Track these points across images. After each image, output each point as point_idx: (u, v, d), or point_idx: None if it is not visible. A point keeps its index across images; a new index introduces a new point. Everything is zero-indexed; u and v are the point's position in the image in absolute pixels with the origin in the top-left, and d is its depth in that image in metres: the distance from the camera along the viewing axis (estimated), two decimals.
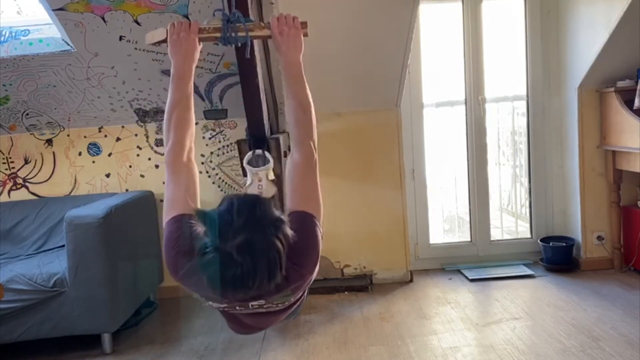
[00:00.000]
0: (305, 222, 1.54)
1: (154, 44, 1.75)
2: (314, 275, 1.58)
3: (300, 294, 1.63)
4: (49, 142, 3.57)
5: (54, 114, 3.43)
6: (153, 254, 3.45)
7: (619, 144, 3.30)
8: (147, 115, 3.49)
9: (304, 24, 1.66)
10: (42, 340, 2.78)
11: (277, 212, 1.43)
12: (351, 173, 3.56)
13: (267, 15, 2.58)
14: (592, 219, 3.58)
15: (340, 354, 2.63)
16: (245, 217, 1.37)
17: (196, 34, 1.65)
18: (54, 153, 3.58)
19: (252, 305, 1.54)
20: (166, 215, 1.53)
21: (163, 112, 1.70)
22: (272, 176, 2.29)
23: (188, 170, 1.61)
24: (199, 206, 1.52)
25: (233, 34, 1.69)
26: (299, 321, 3.07)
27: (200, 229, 1.40)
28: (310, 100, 1.65)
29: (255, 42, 2.26)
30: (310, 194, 1.60)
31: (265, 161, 2.34)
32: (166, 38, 1.67)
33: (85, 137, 3.57)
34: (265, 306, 1.57)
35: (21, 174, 3.59)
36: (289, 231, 1.41)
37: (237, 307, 1.56)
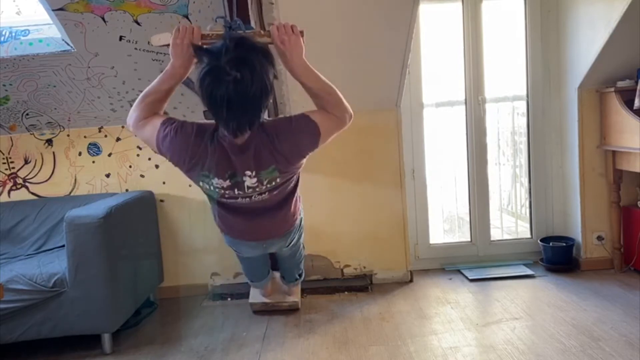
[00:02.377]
0: (305, 117, 1.82)
1: (160, 45, 1.88)
2: (298, 165, 1.89)
3: (287, 178, 1.91)
4: (49, 142, 3.57)
5: (54, 114, 3.43)
6: (153, 254, 3.45)
7: (619, 144, 3.31)
8: None
9: (301, 33, 1.82)
10: (42, 340, 2.78)
11: (265, 47, 1.70)
12: (351, 173, 3.56)
13: (267, 15, 2.58)
14: (592, 219, 3.58)
15: (340, 354, 2.63)
16: (236, 42, 1.63)
17: (198, 41, 1.80)
18: (54, 153, 3.58)
19: (247, 187, 1.83)
20: (155, 133, 1.83)
21: (143, 90, 1.92)
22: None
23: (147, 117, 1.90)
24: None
25: None
26: (299, 321, 3.07)
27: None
28: (328, 82, 1.87)
29: None
30: (327, 128, 1.85)
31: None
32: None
33: (85, 137, 3.57)
34: (257, 188, 1.84)
35: (21, 174, 3.59)
36: (275, 67, 1.69)
37: (236, 191, 1.84)
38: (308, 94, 1.88)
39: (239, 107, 1.63)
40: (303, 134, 1.81)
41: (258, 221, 2.06)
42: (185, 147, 1.78)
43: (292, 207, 2.10)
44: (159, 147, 1.84)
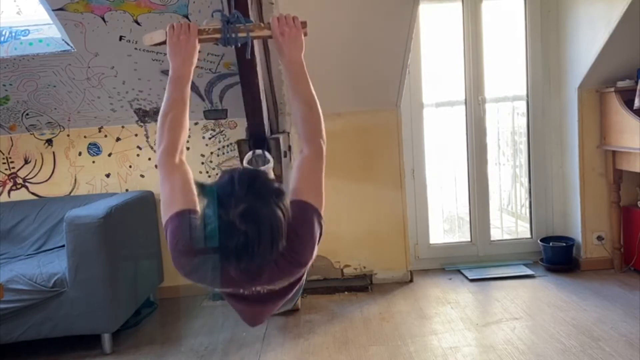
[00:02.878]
0: (305, 210, 1.57)
1: (153, 45, 1.75)
2: (311, 262, 1.62)
3: (299, 277, 1.66)
4: (49, 142, 3.57)
5: (54, 114, 3.43)
6: (153, 254, 3.45)
7: (619, 144, 3.30)
8: (147, 115, 3.49)
9: (303, 24, 1.67)
10: (42, 340, 2.78)
11: (276, 184, 1.47)
12: (351, 173, 3.56)
13: (267, 15, 2.58)
14: (592, 219, 3.58)
15: (340, 354, 2.63)
16: (246, 187, 1.40)
17: (196, 36, 1.66)
18: (54, 153, 3.58)
19: (254, 287, 1.57)
20: (165, 214, 1.54)
21: (160, 110, 1.72)
22: (272, 176, 2.30)
23: (181, 171, 1.62)
24: (196, 204, 1.54)
25: (233, 35, 1.69)
26: (299, 321, 3.07)
27: (200, 221, 1.43)
28: (315, 97, 1.66)
29: (255, 42, 2.26)
30: (314, 187, 1.62)
31: (265, 161, 2.34)
32: (165, 40, 1.68)
33: (85, 137, 3.57)
34: (267, 288, 1.60)
35: (21, 174, 3.59)
36: (288, 205, 1.45)
37: (241, 290, 1.59)
38: (291, 102, 1.70)
39: (249, 256, 1.42)
40: (313, 228, 1.58)
41: (262, 307, 1.80)
42: (181, 262, 1.52)
43: (298, 285, 1.79)
44: (163, 218, 1.59)
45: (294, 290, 1.79)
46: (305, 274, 1.80)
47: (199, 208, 1.52)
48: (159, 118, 1.65)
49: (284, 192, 1.47)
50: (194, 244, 1.49)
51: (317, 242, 1.59)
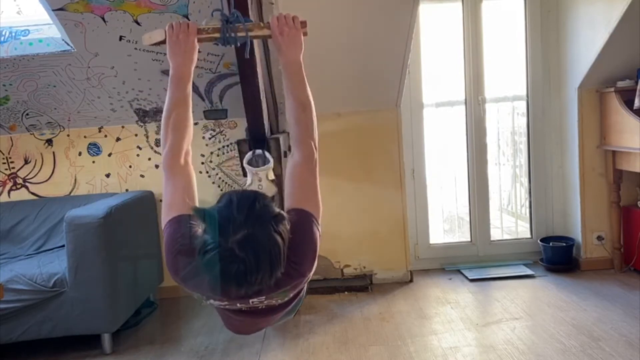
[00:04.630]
0: (303, 220, 1.55)
1: (152, 44, 1.75)
2: (312, 273, 1.58)
3: (299, 289, 1.63)
4: (49, 142, 3.57)
5: (54, 114, 3.43)
6: (153, 254, 3.45)
7: (619, 144, 3.30)
8: (147, 115, 3.49)
9: (303, 23, 1.66)
10: (42, 340, 2.78)
11: (276, 208, 1.43)
12: (351, 173, 3.56)
13: (267, 15, 2.58)
14: (592, 219, 3.58)
15: (340, 354, 2.63)
16: (246, 212, 1.37)
17: (195, 36, 1.65)
18: (54, 153, 3.58)
19: (252, 302, 1.53)
20: (165, 217, 1.53)
21: (163, 111, 1.70)
22: (272, 176, 2.29)
23: (185, 173, 1.60)
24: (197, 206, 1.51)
25: (232, 34, 1.69)
26: (299, 321, 3.07)
27: (199, 228, 1.39)
28: (311, 99, 1.64)
29: (255, 42, 2.26)
30: (309, 193, 1.60)
31: (265, 161, 2.34)
32: (165, 39, 1.67)
33: (85, 137, 3.57)
34: (265, 302, 1.56)
35: (21, 174, 3.59)
36: (288, 227, 1.41)
37: (238, 304, 1.56)
38: (285, 102, 1.68)
39: (248, 283, 1.38)
40: (311, 237, 1.56)
41: (259, 320, 1.77)
42: (176, 267, 1.49)
43: (298, 297, 1.76)
44: (162, 220, 1.56)
45: (294, 303, 1.76)
46: (306, 285, 1.76)
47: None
48: (162, 120, 1.63)
49: (284, 217, 1.43)
50: (190, 250, 1.44)
51: (316, 252, 1.57)
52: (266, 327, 1.94)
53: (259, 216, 1.38)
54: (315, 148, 1.63)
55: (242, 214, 1.37)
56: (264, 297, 1.51)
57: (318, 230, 1.56)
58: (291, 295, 1.60)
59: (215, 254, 1.34)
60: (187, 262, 1.46)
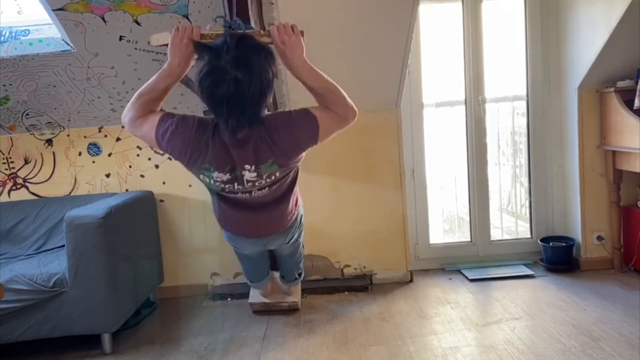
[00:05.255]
0: (308, 118, 1.81)
1: (159, 45, 1.87)
2: (294, 162, 1.88)
3: (285, 175, 1.91)
4: (49, 142, 3.57)
5: (54, 114, 3.43)
6: (153, 254, 3.45)
7: (619, 144, 3.30)
8: None
9: (301, 33, 1.81)
10: (42, 340, 2.78)
11: (266, 45, 1.70)
12: (351, 173, 3.56)
13: (267, 15, 2.58)
14: (592, 219, 3.58)
15: (340, 354, 2.63)
16: (237, 39, 1.62)
17: (198, 39, 1.78)
18: (54, 153, 3.58)
19: (246, 181, 1.83)
20: (154, 129, 1.81)
21: (139, 89, 1.90)
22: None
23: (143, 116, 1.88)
24: None
25: None
26: (299, 321, 3.07)
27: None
28: (331, 81, 1.86)
29: None
30: (327, 131, 1.83)
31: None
32: None
33: (85, 137, 3.57)
34: (257, 183, 1.85)
35: (21, 174, 3.59)
36: (275, 65, 1.68)
37: (236, 185, 1.84)
38: (311, 93, 1.88)
39: (238, 106, 1.63)
40: (302, 128, 1.81)
41: (258, 217, 2.06)
42: (187, 140, 1.78)
43: (291, 202, 2.11)
44: (159, 142, 1.82)
45: (288, 212, 2.09)
46: (302, 209, 2.18)
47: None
48: (135, 95, 1.87)
49: (273, 54, 1.68)
50: (189, 120, 1.80)
51: (302, 146, 1.82)
52: (266, 235, 2.22)
53: (250, 44, 1.63)
54: (353, 113, 1.88)
55: (235, 40, 1.61)
56: (252, 165, 1.78)
57: (315, 139, 1.81)
58: (278, 175, 1.86)
59: (209, 69, 1.60)
60: (190, 134, 1.77)
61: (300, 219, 2.32)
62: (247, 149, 1.77)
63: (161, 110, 1.88)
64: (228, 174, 1.83)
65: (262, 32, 1.83)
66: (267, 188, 1.92)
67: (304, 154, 1.89)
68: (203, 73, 1.62)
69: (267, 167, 1.83)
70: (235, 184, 1.86)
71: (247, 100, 1.62)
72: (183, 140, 1.79)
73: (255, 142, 1.77)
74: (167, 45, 1.83)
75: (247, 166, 1.81)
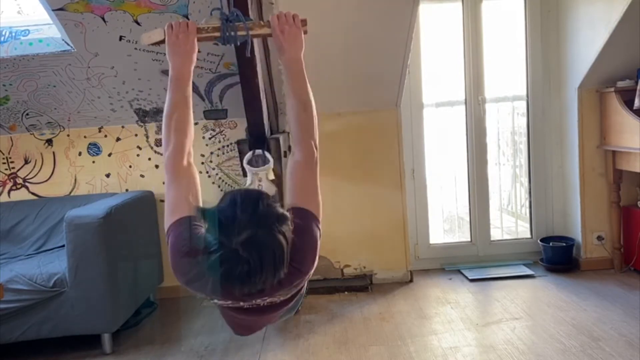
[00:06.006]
0: (304, 219, 1.55)
1: (152, 44, 1.74)
2: (313, 271, 1.57)
3: (300, 287, 1.63)
4: (49, 142, 3.57)
5: (54, 114, 3.43)
6: (153, 254, 3.45)
7: (619, 144, 3.30)
8: (147, 115, 3.49)
9: (303, 22, 1.66)
10: (42, 340, 2.78)
11: (280, 209, 1.42)
12: (351, 173, 3.56)
13: (267, 14, 2.58)
14: (592, 219, 3.58)
15: (340, 354, 2.63)
16: (250, 212, 1.36)
17: (195, 35, 1.64)
18: (54, 153, 3.58)
19: (255, 301, 1.52)
20: (169, 219, 1.52)
21: (163, 112, 1.68)
22: (272, 176, 2.29)
23: (189, 174, 1.58)
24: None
25: (232, 33, 1.68)
26: (299, 321, 3.07)
27: (203, 229, 1.38)
28: (312, 98, 1.63)
29: (255, 42, 2.26)
30: (310, 193, 1.59)
31: (265, 161, 2.34)
32: (164, 39, 1.66)
33: (85, 137, 3.57)
34: (267, 300, 1.55)
35: (21, 174, 3.59)
36: (291, 228, 1.40)
37: (241, 303, 1.54)
38: (286, 101, 1.69)
39: (253, 283, 1.39)
40: (312, 238, 1.57)
41: (262, 318, 1.76)
42: (182, 270, 1.48)
43: (299, 294, 1.88)
44: (166, 223, 1.56)
45: (294, 300, 1.75)
46: (306, 284, 1.75)
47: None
48: (164, 120, 1.61)
49: (288, 218, 1.42)
50: (196, 252, 1.42)
51: (317, 250, 1.56)
52: (268, 325, 1.96)
53: (263, 217, 1.37)
54: (316, 148, 1.62)
55: (246, 214, 1.35)
56: (266, 297, 1.50)
57: (318, 229, 1.56)
58: (293, 292, 1.60)
59: (219, 255, 1.33)
60: (193, 263, 1.44)
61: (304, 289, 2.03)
62: (261, 295, 1.47)
63: (191, 205, 1.53)
64: (230, 302, 1.56)
65: (261, 22, 1.76)
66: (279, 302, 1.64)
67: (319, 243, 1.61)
68: (213, 257, 1.35)
69: (282, 293, 1.56)
70: (240, 303, 1.57)
71: (261, 279, 1.36)
72: (176, 264, 1.49)
73: (272, 288, 1.47)
74: (159, 43, 1.69)
75: (259, 300, 1.54)
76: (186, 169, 1.58)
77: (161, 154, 3.50)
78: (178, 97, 1.64)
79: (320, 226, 1.57)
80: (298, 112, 1.62)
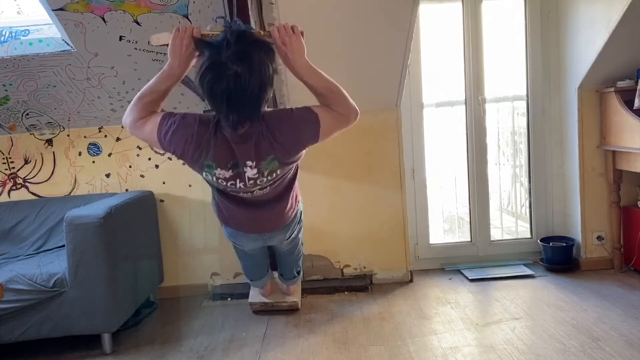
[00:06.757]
0: (310, 115, 1.82)
1: (159, 45, 1.89)
2: (296, 158, 1.89)
3: (286, 172, 1.93)
4: (49, 142, 3.57)
5: (54, 114, 3.43)
6: (153, 254, 3.45)
7: (619, 144, 3.31)
8: None
9: (301, 34, 1.82)
10: (42, 340, 2.78)
11: (267, 41, 1.72)
12: (351, 173, 3.56)
13: (267, 15, 2.58)
14: (592, 219, 3.58)
15: (340, 354, 2.63)
16: (237, 35, 1.63)
17: (193, 44, 1.79)
18: (54, 153, 3.58)
19: (248, 178, 1.85)
20: (155, 130, 1.83)
21: (140, 90, 1.92)
22: None
23: (145, 117, 1.89)
24: None
25: None
26: (299, 321, 3.07)
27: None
28: (332, 80, 1.87)
29: None
30: (329, 125, 1.85)
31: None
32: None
33: (85, 137, 3.57)
34: (258, 180, 1.86)
35: (21, 174, 3.59)
36: (275, 62, 1.70)
37: (238, 183, 1.86)
38: (312, 93, 1.89)
39: (239, 101, 1.65)
40: (303, 125, 1.82)
41: (259, 213, 2.09)
42: (189, 137, 1.80)
43: (291, 199, 2.14)
44: (162, 143, 1.84)
45: (289, 209, 2.10)
46: (301, 205, 2.20)
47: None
48: (135, 97, 1.88)
49: (273, 50, 1.71)
50: (192, 115, 1.83)
51: (303, 143, 1.83)
52: (267, 231, 2.26)
53: (250, 40, 1.65)
54: (355, 113, 1.89)
55: (234, 35, 1.62)
56: (253, 161, 1.80)
57: (316, 135, 1.82)
58: (279, 172, 1.87)
59: (208, 65, 1.61)
60: (177, 119, 1.81)
61: (300, 215, 2.34)
62: (249, 144, 1.79)
63: (162, 110, 1.89)
64: (230, 171, 1.85)
65: (262, 32, 1.84)
66: (268, 187, 1.93)
67: (304, 151, 1.91)
68: (203, 69, 1.64)
69: (268, 164, 1.84)
70: (238, 182, 1.88)
71: (247, 95, 1.64)
72: (185, 139, 1.80)
73: (256, 138, 1.78)
74: (167, 45, 1.83)
75: (249, 162, 1.82)
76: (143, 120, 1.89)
77: (161, 154, 3.52)
78: (160, 88, 1.86)
79: (319, 134, 1.82)
80: (330, 98, 1.86)
